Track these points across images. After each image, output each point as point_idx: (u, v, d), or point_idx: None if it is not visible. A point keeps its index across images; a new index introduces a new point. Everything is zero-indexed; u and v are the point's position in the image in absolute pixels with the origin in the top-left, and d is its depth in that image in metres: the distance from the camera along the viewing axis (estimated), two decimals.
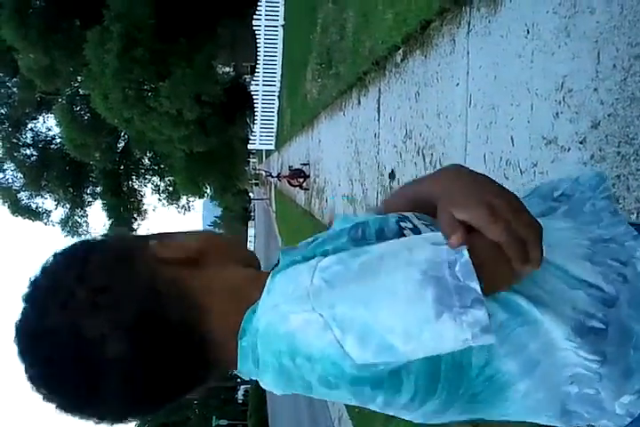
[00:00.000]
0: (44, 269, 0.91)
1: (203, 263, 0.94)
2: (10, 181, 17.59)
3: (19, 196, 17.65)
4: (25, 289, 0.91)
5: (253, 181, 42.32)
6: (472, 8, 3.84)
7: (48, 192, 17.76)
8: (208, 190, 18.15)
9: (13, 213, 17.63)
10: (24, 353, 0.88)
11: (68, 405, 0.89)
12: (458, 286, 0.72)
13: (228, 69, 17.91)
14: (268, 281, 0.87)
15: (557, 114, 2.79)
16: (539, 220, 0.82)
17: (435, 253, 0.76)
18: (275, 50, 20.78)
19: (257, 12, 19.59)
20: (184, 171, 16.10)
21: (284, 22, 19.65)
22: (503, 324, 0.85)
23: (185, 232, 0.99)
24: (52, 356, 0.85)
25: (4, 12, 12.46)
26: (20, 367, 0.90)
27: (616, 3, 2.39)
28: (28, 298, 0.89)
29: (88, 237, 0.99)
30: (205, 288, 0.91)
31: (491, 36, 3.56)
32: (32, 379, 0.88)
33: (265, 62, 21.23)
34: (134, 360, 0.84)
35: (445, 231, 0.78)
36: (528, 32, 3.10)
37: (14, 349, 0.90)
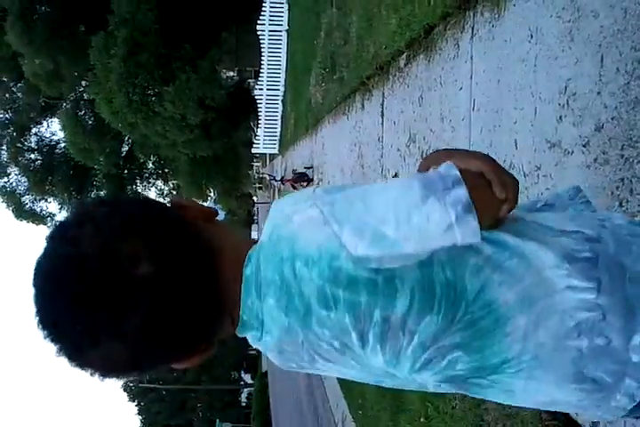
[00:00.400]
0: (72, 213, 0.94)
1: (212, 223, 1.00)
2: (14, 184, 17.62)
3: (23, 199, 17.67)
4: (49, 231, 0.92)
5: (257, 185, 42.28)
6: (475, 13, 3.86)
7: (52, 196, 17.78)
8: (212, 194, 18.16)
9: (17, 216, 17.66)
10: (51, 280, 0.86)
11: (87, 339, 0.86)
12: (441, 176, 0.85)
13: (231, 74, 17.96)
14: (272, 204, 0.98)
15: (561, 117, 2.81)
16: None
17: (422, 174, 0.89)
18: (279, 55, 20.81)
19: (261, 17, 19.63)
20: (188, 175, 16.11)
21: (287, 27, 19.69)
22: (492, 257, 0.90)
23: None
24: (86, 277, 0.84)
25: (10, 18, 12.51)
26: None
27: (619, 7, 2.41)
28: (55, 233, 0.90)
29: None
30: (219, 237, 0.97)
31: (494, 41, 3.58)
32: (57, 304, 0.86)
33: (269, 67, 21.26)
34: (162, 283, 0.86)
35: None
36: (532, 36, 3.11)
37: (32, 286, 0.88)
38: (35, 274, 0.89)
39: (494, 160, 0.93)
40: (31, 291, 0.89)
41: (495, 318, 0.88)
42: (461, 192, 0.83)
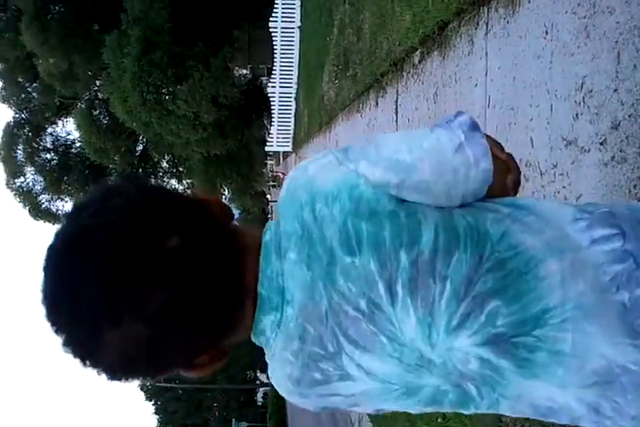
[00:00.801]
0: (96, 188, 0.90)
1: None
2: (30, 184, 17.74)
3: (39, 199, 17.78)
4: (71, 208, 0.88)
5: (271, 183, 42.37)
6: (490, 9, 3.83)
7: (68, 195, 17.88)
8: (226, 192, 18.20)
9: (34, 216, 17.77)
10: (70, 249, 0.81)
11: (105, 317, 0.79)
12: (443, 117, 0.96)
13: (244, 72, 17.95)
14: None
15: (577, 115, 2.78)
16: None
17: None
18: (291, 52, 20.83)
19: (273, 14, 19.62)
20: (202, 173, 16.14)
21: (300, 24, 19.68)
22: (510, 214, 0.89)
23: None
24: (110, 251, 0.79)
25: (25, 18, 12.59)
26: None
27: (636, 3, 2.38)
28: (75, 208, 0.86)
29: None
30: (239, 227, 0.96)
31: (509, 37, 3.55)
32: (74, 281, 0.79)
33: (282, 64, 21.28)
34: (189, 257, 0.82)
35: None
36: (547, 33, 3.09)
37: (46, 261, 0.82)
38: (52, 247, 0.83)
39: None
40: (43, 265, 0.82)
41: (525, 259, 0.84)
42: (464, 117, 0.92)
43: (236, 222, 0.99)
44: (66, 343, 0.81)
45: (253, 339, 0.94)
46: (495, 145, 0.95)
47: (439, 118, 0.97)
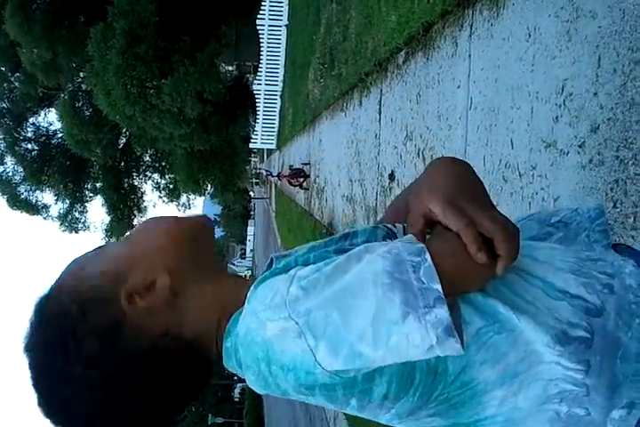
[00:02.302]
0: (40, 326, 0.94)
1: (181, 291, 0.95)
2: (10, 174, 17.58)
3: (18, 189, 17.63)
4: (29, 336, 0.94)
5: (254, 180, 42.33)
6: (474, 11, 3.85)
7: (48, 186, 17.75)
8: (208, 188, 18.15)
9: (12, 206, 17.62)
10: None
11: None
12: (422, 289, 0.77)
13: (230, 68, 17.91)
14: (250, 291, 0.88)
15: (557, 117, 2.80)
16: (530, 242, 0.93)
17: (394, 247, 0.81)
18: (278, 49, 20.81)
19: (261, 12, 19.60)
20: (185, 168, 16.09)
21: (287, 22, 19.67)
22: (480, 331, 0.86)
23: (139, 254, 0.98)
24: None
25: (9, 7, 12.47)
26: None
27: (618, 8, 2.40)
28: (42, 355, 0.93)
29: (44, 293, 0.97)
30: (190, 320, 0.95)
31: (493, 40, 3.57)
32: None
33: (268, 62, 21.25)
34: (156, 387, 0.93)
35: (409, 224, 0.88)
36: (530, 36, 3.10)
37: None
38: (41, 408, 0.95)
39: (481, 206, 0.86)
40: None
41: (472, 394, 0.87)
42: (442, 312, 0.76)
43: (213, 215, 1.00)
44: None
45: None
46: (506, 246, 0.82)
47: (416, 262, 0.79)
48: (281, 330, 0.81)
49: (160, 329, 0.92)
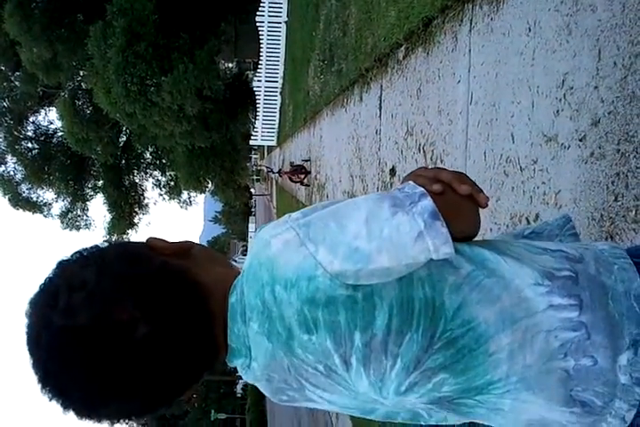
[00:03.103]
0: (56, 274, 0.94)
1: (192, 257, 1.02)
2: (11, 173, 17.58)
3: (19, 188, 17.64)
4: (35, 294, 0.93)
5: (255, 177, 42.31)
6: (474, 5, 3.85)
7: (49, 185, 17.75)
8: (209, 185, 18.14)
9: (14, 205, 17.63)
10: (54, 356, 0.89)
11: (98, 401, 0.91)
12: (407, 195, 0.90)
13: (230, 65, 17.90)
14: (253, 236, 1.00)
15: (558, 111, 2.81)
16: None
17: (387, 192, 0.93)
18: (277, 46, 20.78)
19: (260, 8, 19.56)
20: (185, 166, 16.08)
21: (287, 19, 19.64)
22: (470, 274, 0.91)
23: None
24: (88, 350, 0.88)
25: (8, 6, 12.45)
26: (37, 374, 0.91)
27: (618, 1, 2.40)
28: (43, 301, 0.92)
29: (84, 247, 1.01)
30: (203, 273, 0.99)
31: (493, 34, 3.57)
32: (61, 378, 0.90)
33: (268, 58, 21.22)
34: (161, 340, 0.90)
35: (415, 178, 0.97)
36: (530, 30, 3.11)
37: (32, 355, 0.91)
38: (33, 345, 0.91)
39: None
40: (32, 360, 0.91)
41: (475, 336, 0.88)
42: (426, 202, 0.87)
43: (201, 248, 1.07)
44: (65, 412, 0.94)
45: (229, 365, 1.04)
46: (457, 179, 0.96)
47: (401, 187, 0.93)
48: (284, 243, 0.89)
49: (179, 264, 0.98)
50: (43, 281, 0.94)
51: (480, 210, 0.98)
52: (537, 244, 1.01)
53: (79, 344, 0.88)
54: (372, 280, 0.86)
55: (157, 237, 1.03)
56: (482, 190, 0.97)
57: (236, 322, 0.94)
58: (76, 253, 0.97)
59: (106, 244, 1.00)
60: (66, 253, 0.97)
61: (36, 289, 0.94)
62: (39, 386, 0.91)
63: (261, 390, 1.05)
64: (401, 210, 0.87)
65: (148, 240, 1.01)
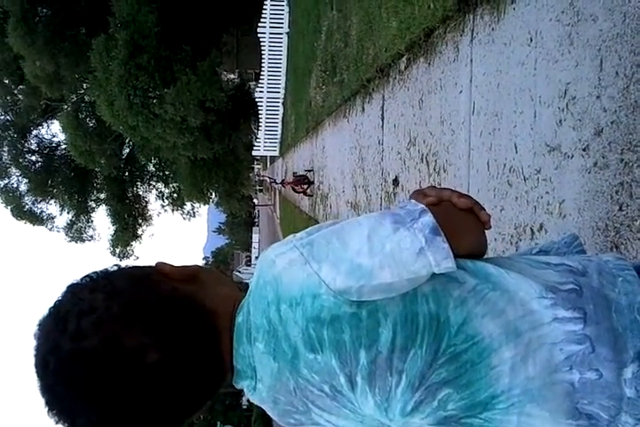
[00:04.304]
0: (66, 297, 0.95)
1: (199, 282, 1.03)
2: (15, 186, 17.64)
3: (23, 201, 17.69)
4: (44, 316, 0.94)
5: (258, 188, 42.35)
6: (475, 16, 3.86)
7: (52, 198, 17.79)
8: (213, 196, 18.17)
9: (16, 216, 17.67)
10: (61, 380, 0.89)
11: (110, 425, 0.90)
12: (408, 211, 0.92)
13: (232, 76, 17.97)
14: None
15: (560, 121, 2.80)
16: None
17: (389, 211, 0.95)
18: (279, 57, 20.85)
19: (261, 20, 19.66)
20: (188, 177, 16.13)
21: (288, 30, 19.72)
22: (475, 288, 0.91)
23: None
24: (96, 375, 0.88)
25: (11, 21, 12.54)
26: (43, 398, 0.91)
27: (619, 11, 2.40)
28: (52, 325, 0.92)
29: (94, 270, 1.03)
30: (211, 297, 1.00)
31: (494, 44, 3.58)
32: (69, 403, 0.90)
33: (269, 69, 21.30)
34: (171, 366, 0.91)
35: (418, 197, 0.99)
36: (531, 40, 3.11)
37: (40, 379, 0.91)
38: (41, 369, 0.91)
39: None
40: (40, 384, 0.91)
41: (479, 350, 0.89)
42: (427, 218, 0.89)
43: (205, 267, 1.10)
44: None
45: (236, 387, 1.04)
46: (458, 195, 0.98)
47: (403, 204, 0.95)
48: (288, 262, 0.91)
49: (187, 291, 0.99)
50: (52, 304, 0.94)
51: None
52: (539, 258, 1.02)
53: (87, 368, 0.88)
54: (375, 296, 0.87)
55: (165, 261, 1.03)
56: (483, 208, 0.98)
57: (241, 343, 0.95)
58: (85, 276, 0.97)
59: (115, 268, 1.01)
60: (74, 276, 0.98)
61: (45, 312, 0.94)
62: (46, 409, 0.91)
63: (268, 412, 1.05)
64: (402, 226, 0.89)
65: (156, 265, 1.02)
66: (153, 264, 1.03)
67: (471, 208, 0.98)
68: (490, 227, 0.99)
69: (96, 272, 0.99)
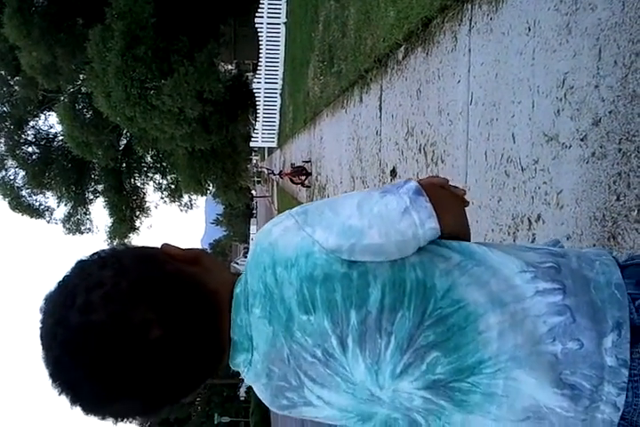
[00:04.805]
0: (75, 273, 0.97)
1: (202, 265, 1.06)
2: (12, 178, 17.60)
3: (20, 193, 17.66)
4: (52, 291, 0.96)
5: (256, 179, 42.36)
6: (474, 5, 3.84)
7: (50, 189, 17.76)
8: (210, 188, 18.16)
9: (14, 209, 17.65)
10: (68, 351, 0.91)
11: (106, 397, 0.93)
12: (394, 185, 1.00)
13: (230, 67, 17.90)
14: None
15: (558, 111, 2.79)
16: None
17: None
18: (277, 47, 20.77)
19: (259, 10, 19.57)
20: (186, 168, 16.11)
21: (286, 20, 19.64)
22: (460, 263, 0.97)
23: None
24: (102, 347, 0.90)
25: (7, 11, 12.48)
26: (48, 369, 0.93)
27: (617, 0, 2.39)
28: (61, 298, 0.94)
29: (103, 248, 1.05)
30: (214, 279, 1.04)
31: (492, 34, 3.56)
32: (73, 373, 0.92)
33: (267, 60, 21.22)
34: (172, 343, 0.94)
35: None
36: (529, 29, 3.10)
37: (46, 350, 0.93)
38: (49, 340, 0.93)
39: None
40: (45, 355, 0.94)
41: (465, 314, 0.92)
42: (412, 184, 0.98)
43: (206, 252, 1.12)
44: (72, 407, 0.96)
45: (231, 367, 1.07)
46: (441, 183, 1.08)
47: (393, 183, 1.03)
48: (284, 229, 0.98)
49: (192, 271, 1.03)
50: (61, 279, 0.97)
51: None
52: (522, 244, 1.11)
53: (93, 341, 0.90)
54: (365, 257, 0.93)
55: (171, 243, 1.07)
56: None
57: (239, 313, 0.99)
58: (94, 253, 1.00)
59: (122, 247, 1.04)
60: (84, 254, 1.01)
61: (53, 286, 0.96)
62: (50, 380, 0.93)
63: (261, 396, 1.08)
64: (389, 193, 0.97)
65: (162, 246, 1.05)
66: (158, 246, 1.06)
67: (447, 185, 1.08)
68: (468, 203, 1.10)
69: (104, 250, 1.02)
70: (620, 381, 0.92)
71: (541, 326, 0.93)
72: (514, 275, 0.96)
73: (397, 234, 0.93)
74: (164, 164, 18.87)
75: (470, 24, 3.88)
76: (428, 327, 0.92)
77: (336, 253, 0.92)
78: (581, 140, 2.61)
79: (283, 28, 20.06)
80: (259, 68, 21.59)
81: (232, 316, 1.00)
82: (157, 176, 19.65)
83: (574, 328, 0.92)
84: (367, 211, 0.95)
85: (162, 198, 19.66)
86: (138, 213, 19.03)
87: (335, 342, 0.93)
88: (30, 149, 17.73)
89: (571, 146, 2.69)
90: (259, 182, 45.90)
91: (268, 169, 24.86)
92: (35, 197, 17.94)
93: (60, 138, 17.43)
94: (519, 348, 0.92)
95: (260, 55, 20.70)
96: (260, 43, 20.43)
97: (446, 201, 1.02)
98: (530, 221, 3.03)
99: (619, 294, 0.96)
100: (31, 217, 18.04)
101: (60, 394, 0.93)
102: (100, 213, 19.63)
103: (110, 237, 18.38)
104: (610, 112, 2.43)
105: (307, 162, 13.22)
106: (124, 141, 17.92)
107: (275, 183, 27.73)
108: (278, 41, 20.62)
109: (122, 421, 0.99)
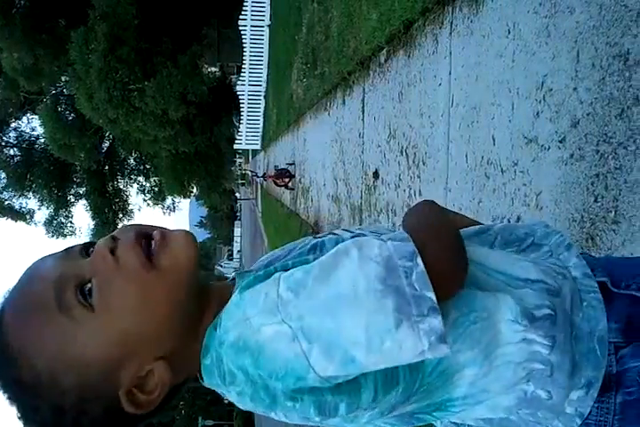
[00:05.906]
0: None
1: (178, 365, 0.94)
2: None
3: (1, 196, 17.50)
4: None
5: (240, 181, 42.25)
6: (454, 8, 3.86)
7: (32, 192, 17.62)
8: (194, 190, 18.09)
9: None
10: None
11: None
12: (415, 296, 0.78)
13: (213, 69, 17.85)
14: (234, 296, 0.89)
15: (538, 113, 2.81)
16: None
17: (386, 248, 0.82)
18: (261, 50, 20.79)
19: (243, 12, 19.55)
20: (169, 171, 16.03)
21: (269, 22, 19.65)
22: (456, 322, 0.88)
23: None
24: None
25: None
26: None
27: (595, 3, 2.41)
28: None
29: None
30: (189, 365, 0.95)
31: (472, 36, 3.58)
32: None
33: (251, 62, 21.22)
34: None
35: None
36: (509, 32, 3.11)
37: None
38: None
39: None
40: None
41: (445, 378, 0.89)
42: (435, 322, 0.79)
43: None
44: None
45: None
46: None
47: (393, 236, 0.85)
48: (275, 333, 0.81)
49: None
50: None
51: (463, 213, 1.01)
52: (519, 273, 0.98)
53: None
54: None
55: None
56: None
57: (211, 377, 0.90)
58: None
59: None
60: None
61: None
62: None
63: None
64: (406, 320, 0.78)
65: (125, 392, 0.92)
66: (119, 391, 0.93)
67: None
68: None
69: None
70: (573, 424, 0.93)
71: (520, 372, 0.90)
72: (504, 321, 0.89)
73: (402, 364, 0.83)
74: (148, 166, 18.78)
75: (451, 27, 3.90)
76: (412, 402, 0.90)
77: (331, 380, 0.81)
78: (560, 142, 2.63)
79: (266, 31, 20.07)
80: (242, 70, 21.57)
81: (203, 377, 0.92)
82: (141, 178, 19.54)
83: (549, 382, 0.90)
84: (377, 343, 0.78)
85: (145, 201, 19.55)
86: (121, 215, 18.91)
87: (318, 419, 0.87)
88: (12, 152, 17.59)
89: (549, 148, 2.71)
90: (243, 185, 45.81)
91: (252, 171, 24.84)
92: (16, 200, 17.79)
93: (42, 140, 17.30)
94: (487, 392, 0.91)
95: (244, 57, 20.67)
96: (244, 45, 20.40)
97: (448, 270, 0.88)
98: (510, 222, 3.05)
99: (599, 350, 0.93)
100: (13, 220, 17.88)
101: None
102: (82, 215, 19.47)
103: (93, 239, 18.25)
104: (588, 114, 2.45)
105: (290, 164, 13.22)
106: (107, 144, 17.82)
107: (259, 186, 27.70)
108: (262, 43, 20.64)
109: None
